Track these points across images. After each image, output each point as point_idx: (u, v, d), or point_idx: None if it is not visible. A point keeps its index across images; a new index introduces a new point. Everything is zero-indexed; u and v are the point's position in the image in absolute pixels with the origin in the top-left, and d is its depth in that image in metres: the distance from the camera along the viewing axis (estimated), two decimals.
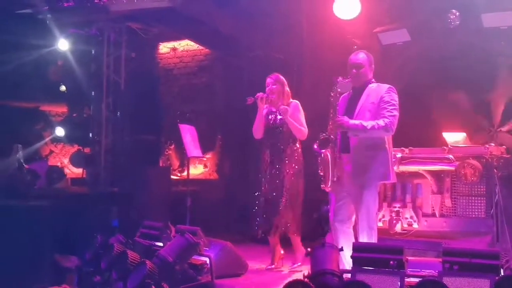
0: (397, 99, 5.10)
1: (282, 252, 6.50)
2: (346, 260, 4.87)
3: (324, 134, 5.21)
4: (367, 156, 5.08)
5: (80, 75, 10.33)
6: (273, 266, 6.41)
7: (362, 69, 5.24)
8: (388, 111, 5.02)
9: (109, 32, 10.09)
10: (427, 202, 6.43)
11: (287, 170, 6.24)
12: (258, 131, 6.42)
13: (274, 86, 6.35)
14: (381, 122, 4.97)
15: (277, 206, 6.23)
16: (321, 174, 5.21)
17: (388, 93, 5.10)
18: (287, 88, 6.41)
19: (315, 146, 5.22)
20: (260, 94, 6.30)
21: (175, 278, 5.21)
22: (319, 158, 5.25)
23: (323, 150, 5.14)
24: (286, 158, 6.27)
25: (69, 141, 11.48)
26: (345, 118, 5.06)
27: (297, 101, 6.35)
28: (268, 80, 6.40)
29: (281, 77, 6.43)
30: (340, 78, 5.20)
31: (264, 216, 6.32)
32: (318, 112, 6.21)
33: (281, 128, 6.31)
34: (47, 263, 6.73)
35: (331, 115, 5.17)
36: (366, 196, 5.04)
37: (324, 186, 5.21)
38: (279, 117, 6.35)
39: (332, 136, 5.13)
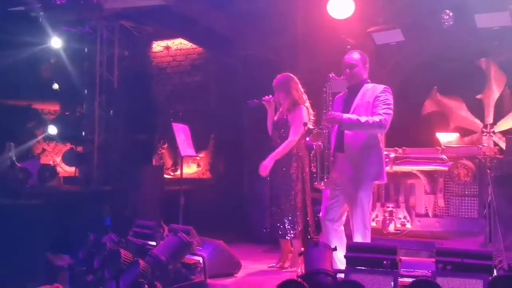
0: (392, 99, 5.11)
1: (291, 252, 6.38)
2: (338, 259, 4.88)
3: (317, 128, 5.24)
4: (361, 154, 5.08)
5: (73, 73, 10.30)
6: (278, 265, 6.35)
7: (355, 68, 5.25)
8: (382, 109, 5.03)
9: (102, 30, 10.06)
10: (420, 202, 6.47)
11: (285, 172, 6.22)
12: (269, 129, 6.50)
13: (276, 93, 6.34)
14: (375, 118, 4.97)
15: (276, 207, 6.27)
16: (314, 170, 5.22)
17: (384, 93, 5.11)
18: (293, 91, 6.25)
19: (307, 139, 5.24)
20: (266, 98, 6.34)
21: (168, 277, 5.20)
22: (312, 153, 5.26)
23: (314, 142, 5.15)
24: (285, 160, 6.22)
25: (62, 139, 11.42)
26: (338, 112, 5.09)
27: (301, 106, 6.21)
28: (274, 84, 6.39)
29: (283, 79, 6.32)
30: (332, 74, 5.20)
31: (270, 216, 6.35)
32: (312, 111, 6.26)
33: (282, 130, 6.29)
34: (39, 262, 6.70)
35: (324, 110, 5.17)
36: (361, 196, 5.05)
37: (317, 183, 5.21)
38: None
39: (324, 131, 5.14)
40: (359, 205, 5.05)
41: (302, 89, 6.34)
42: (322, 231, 5.36)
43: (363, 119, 4.98)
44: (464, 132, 7.73)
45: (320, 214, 5.35)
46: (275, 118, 6.41)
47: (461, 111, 7.84)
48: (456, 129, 7.71)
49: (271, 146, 6.39)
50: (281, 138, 6.27)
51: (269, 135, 6.51)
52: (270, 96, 6.35)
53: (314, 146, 5.17)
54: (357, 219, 5.06)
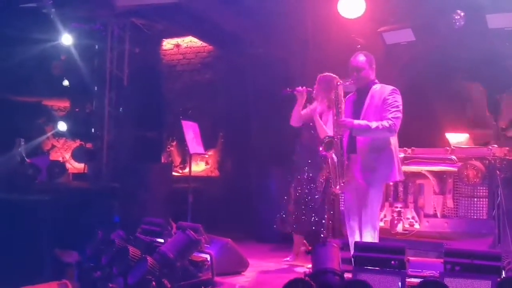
0: (400, 100, 5.14)
1: (302, 248, 6.64)
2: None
3: (328, 137, 5.26)
4: (373, 156, 5.14)
5: (83, 70, 10.31)
6: (289, 260, 6.55)
7: (363, 71, 5.28)
8: (391, 113, 5.07)
9: (113, 27, 10.06)
10: (429, 203, 6.44)
11: (321, 173, 6.28)
12: (294, 119, 6.48)
13: (314, 86, 6.38)
14: (385, 123, 5.02)
15: (312, 206, 6.36)
16: (329, 176, 5.27)
17: (392, 95, 5.14)
18: (331, 93, 6.21)
19: (320, 149, 5.26)
20: (299, 89, 6.31)
21: (176, 274, 5.20)
22: (325, 161, 5.29)
23: (328, 152, 5.18)
24: (319, 161, 6.27)
25: (71, 136, 11.45)
26: (348, 119, 5.15)
27: None
28: (318, 79, 6.43)
29: (327, 78, 6.31)
30: (340, 82, 5.24)
31: (300, 215, 6.41)
32: None
33: (312, 131, 6.38)
34: (47, 257, 6.73)
35: (335, 117, 5.20)
36: (371, 196, 5.11)
37: (333, 188, 5.26)
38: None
39: (336, 139, 5.16)
40: (369, 205, 5.10)
41: None
42: (347, 232, 5.39)
43: (373, 124, 5.03)
44: (479, 124, 7.73)
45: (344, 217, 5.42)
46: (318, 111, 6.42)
47: (481, 95, 7.84)
48: (473, 119, 7.72)
49: (303, 141, 6.47)
50: (312, 138, 6.38)
51: (291, 124, 6.53)
52: (304, 87, 6.34)
53: (327, 156, 5.19)
54: (366, 219, 5.11)
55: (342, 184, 5.17)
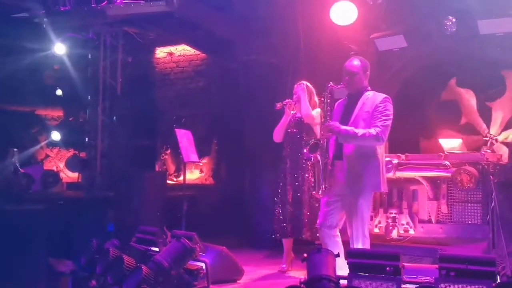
0: (391, 109, 5.07)
1: (292, 255, 6.59)
2: (338, 266, 4.87)
3: (313, 140, 5.22)
4: (359, 164, 5.04)
5: (76, 79, 10.30)
6: (285, 268, 6.52)
7: (356, 76, 5.18)
8: (380, 121, 4.98)
9: (106, 36, 10.06)
10: (423, 208, 6.46)
11: (306, 176, 6.27)
12: (278, 135, 6.55)
13: (302, 93, 6.44)
14: (372, 131, 4.93)
15: (299, 211, 6.34)
16: (312, 180, 5.22)
17: (383, 103, 5.06)
18: (314, 98, 6.48)
19: (305, 151, 5.22)
20: (288, 101, 6.45)
21: (171, 283, 5.18)
22: (309, 164, 5.26)
23: (312, 154, 5.12)
24: (304, 165, 6.30)
25: (65, 145, 11.42)
26: (336, 123, 5.04)
27: (319, 109, 6.29)
28: (296, 87, 6.48)
29: (309, 86, 6.51)
30: (331, 84, 5.18)
31: (288, 220, 6.42)
32: None
33: (299, 135, 6.40)
34: (42, 267, 6.70)
35: (322, 120, 5.17)
36: (360, 205, 5.02)
37: (315, 192, 5.20)
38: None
39: (321, 142, 5.11)
40: (359, 213, 5.02)
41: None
42: (320, 237, 5.34)
43: (360, 132, 4.94)
44: (471, 130, 7.75)
45: (318, 221, 5.33)
46: (291, 125, 6.53)
47: (472, 100, 7.86)
48: (465, 126, 7.72)
49: (285, 150, 6.50)
50: (298, 143, 6.42)
51: (275, 141, 6.56)
52: (290, 100, 6.47)
53: (312, 158, 5.16)
54: (357, 227, 5.04)
55: (324, 189, 5.08)
